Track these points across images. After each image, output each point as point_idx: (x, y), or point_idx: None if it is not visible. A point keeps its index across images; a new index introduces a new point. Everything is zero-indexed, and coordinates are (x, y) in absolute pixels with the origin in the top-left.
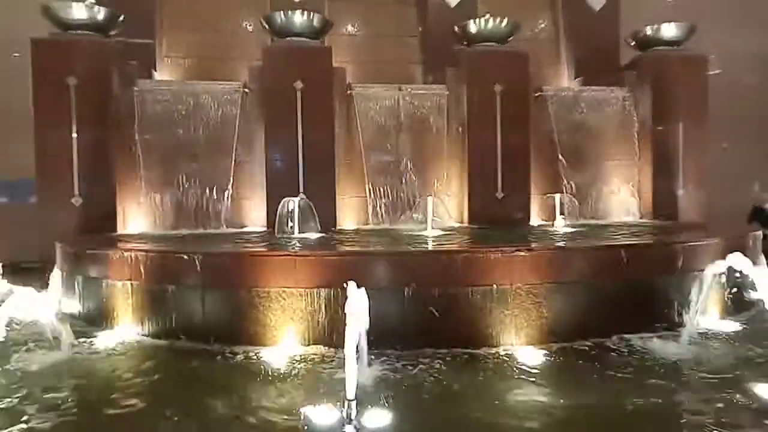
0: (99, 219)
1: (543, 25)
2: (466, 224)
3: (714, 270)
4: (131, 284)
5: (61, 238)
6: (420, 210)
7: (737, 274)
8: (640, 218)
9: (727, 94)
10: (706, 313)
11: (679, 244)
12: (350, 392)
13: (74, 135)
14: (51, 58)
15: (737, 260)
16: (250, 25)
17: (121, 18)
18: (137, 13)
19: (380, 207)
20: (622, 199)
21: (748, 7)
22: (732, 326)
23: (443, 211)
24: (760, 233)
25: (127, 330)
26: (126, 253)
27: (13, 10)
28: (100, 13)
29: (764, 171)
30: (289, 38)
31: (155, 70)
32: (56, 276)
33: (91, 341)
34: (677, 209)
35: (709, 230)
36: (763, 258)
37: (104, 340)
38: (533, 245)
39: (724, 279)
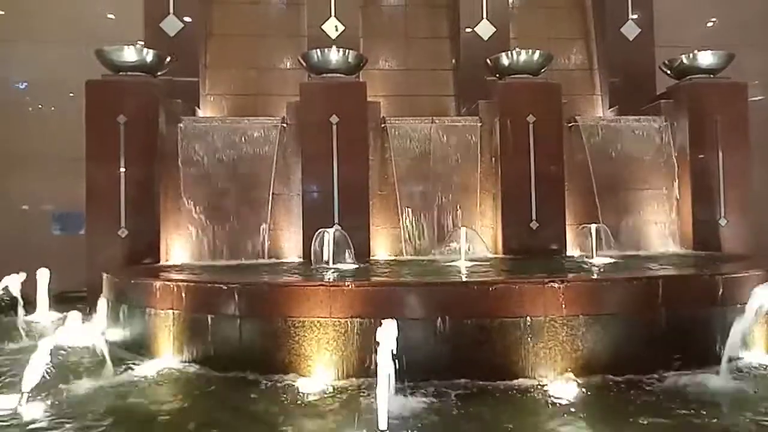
0: (143, 250)
1: (577, 55)
2: (500, 255)
3: (754, 302)
4: (172, 313)
5: (108, 268)
6: (453, 241)
7: None
8: (680, 249)
9: None
10: (750, 348)
11: (719, 276)
12: (382, 423)
13: (122, 170)
14: (103, 98)
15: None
16: (288, 63)
17: (168, 59)
18: (183, 53)
19: (414, 237)
20: (661, 230)
21: None
22: None
23: (477, 241)
24: None
25: (168, 358)
26: (168, 283)
27: (67, 55)
28: (149, 56)
29: None
30: (325, 75)
31: (198, 108)
32: (102, 305)
33: (133, 368)
34: (720, 240)
35: (752, 261)
36: None
37: (146, 368)
38: (566, 276)
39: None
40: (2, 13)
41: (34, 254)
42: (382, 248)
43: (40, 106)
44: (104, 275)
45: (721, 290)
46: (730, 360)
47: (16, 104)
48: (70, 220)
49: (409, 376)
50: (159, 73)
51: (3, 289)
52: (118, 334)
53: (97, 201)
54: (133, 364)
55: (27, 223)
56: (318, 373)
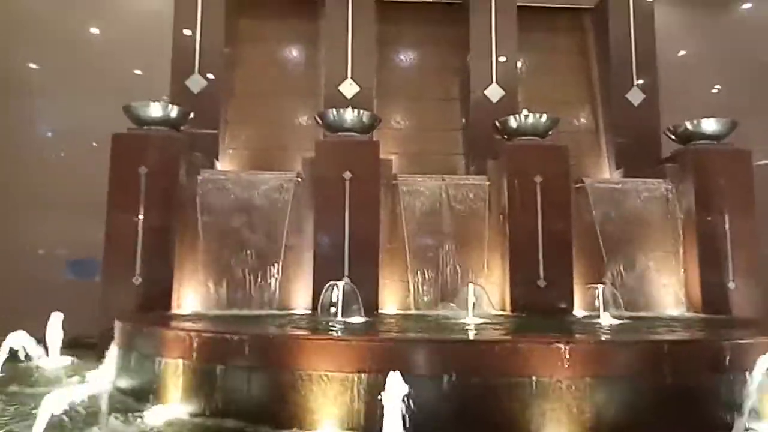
0: (156, 298)
1: (583, 118)
2: (508, 312)
3: (759, 369)
4: (182, 362)
5: (120, 315)
6: (461, 297)
7: None
8: (688, 312)
9: None
10: (759, 416)
11: (725, 341)
12: None
13: (141, 219)
14: (128, 150)
15: None
16: (305, 120)
17: (192, 115)
18: (206, 109)
19: (422, 292)
20: (669, 292)
21: None
22: None
23: (484, 298)
24: None
25: (176, 407)
26: (178, 332)
27: (94, 107)
28: (173, 111)
29: None
30: (340, 133)
31: (217, 160)
32: (113, 352)
33: (141, 417)
34: (729, 303)
35: (760, 327)
36: None
37: (154, 417)
38: (572, 337)
39: None
40: (36, 67)
41: (47, 298)
42: (390, 302)
43: (62, 154)
44: (116, 322)
45: (727, 356)
46: (743, 429)
47: (39, 152)
48: (83, 266)
49: None
50: (182, 128)
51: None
52: (128, 381)
53: (114, 248)
54: (142, 413)
55: (41, 267)
56: (324, 427)
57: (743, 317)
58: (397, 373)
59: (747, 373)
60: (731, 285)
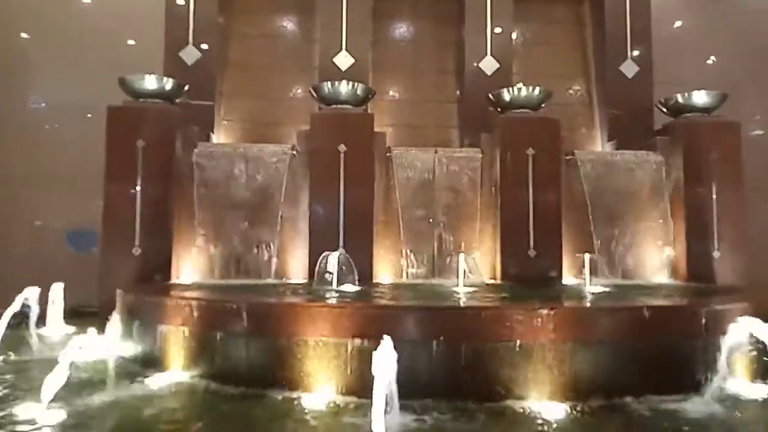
0: (155, 269)
1: (577, 91)
2: (498, 281)
3: (732, 333)
4: (183, 330)
5: (121, 285)
6: (453, 267)
7: (755, 338)
8: (675, 280)
9: None
10: (733, 377)
11: (702, 307)
12: None
13: (138, 192)
14: (124, 123)
15: (748, 324)
16: (299, 93)
17: (186, 87)
18: (201, 80)
19: (415, 263)
20: (656, 261)
21: None
22: (761, 390)
23: (475, 268)
24: None
25: (178, 372)
26: (180, 301)
27: (87, 78)
28: (168, 84)
29: None
30: (334, 106)
31: (213, 132)
32: (115, 321)
33: (145, 382)
34: (713, 272)
35: (739, 294)
36: None
37: (157, 381)
38: (554, 304)
39: (746, 342)
40: (27, 36)
41: (46, 269)
42: (384, 272)
43: (56, 125)
44: (118, 292)
45: (704, 321)
46: (716, 388)
47: (33, 124)
48: (83, 237)
49: (406, 395)
50: (177, 100)
51: (24, 300)
52: (131, 348)
53: (113, 220)
54: (145, 377)
55: (40, 239)
56: (320, 389)
57: (726, 285)
58: (388, 338)
59: (721, 336)
60: (716, 254)
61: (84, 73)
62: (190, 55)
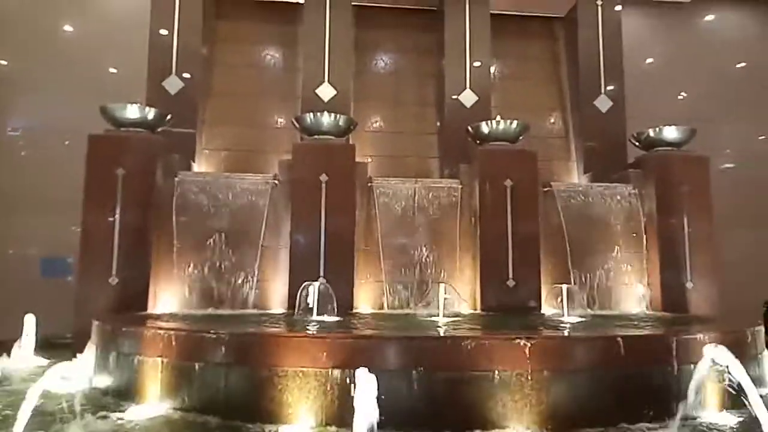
0: (132, 298)
1: (554, 124)
2: (478, 311)
3: (702, 363)
4: (161, 361)
5: (97, 315)
6: (433, 296)
7: (724, 368)
8: (649, 310)
9: (745, 187)
10: (704, 406)
11: (673, 336)
12: None
13: (117, 220)
14: (104, 151)
15: (716, 354)
16: (281, 123)
17: (169, 117)
18: (183, 109)
19: (395, 292)
20: (632, 292)
21: (759, 107)
22: (730, 419)
23: (455, 297)
24: (761, 328)
25: (155, 404)
26: (158, 332)
27: (67, 105)
28: (150, 113)
29: None
30: (317, 136)
31: (194, 161)
32: (90, 351)
33: (120, 414)
34: (687, 302)
35: (711, 324)
36: (765, 353)
37: (133, 414)
38: (532, 334)
39: (716, 372)
40: (5, 63)
41: (18, 298)
42: (364, 301)
43: (34, 151)
44: (94, 322)
45: (676, 350)
46: (686, 417)
47: (12, 150)
48: (56, 265)
49: (387, 426)
50: (159, 129)
51: None
52: (107, 380)
53: (90, 249)
54: (121, 409)
55: (12, 267)
56: (299, 421)
57: (699, 315)
58: (364, 369)
59: (692, 365)
60: (689, 285)
61: (64, 99)
62: (173, 84)
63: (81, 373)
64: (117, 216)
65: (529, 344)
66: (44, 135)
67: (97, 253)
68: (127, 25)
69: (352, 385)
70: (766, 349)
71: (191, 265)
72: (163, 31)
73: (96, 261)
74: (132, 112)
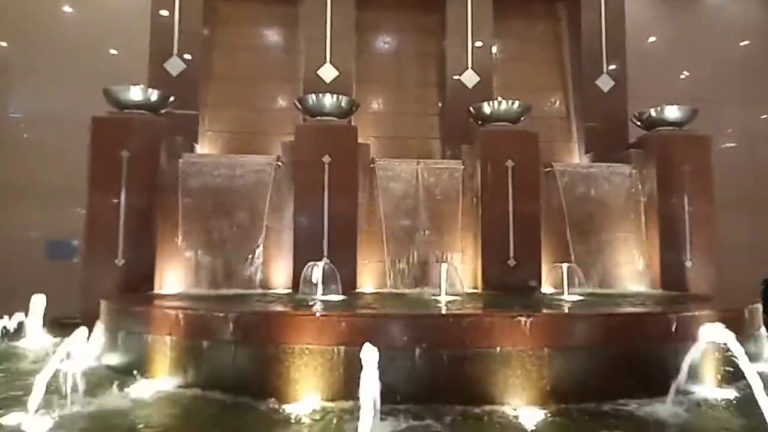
0: (138, 279)
1: (555, 104)
2: (479, 290)
3: (700, 340)
4: (170, 339)
5: (104, 295)
6: (435, 277)
7: (723, 345)
8: (649, 289)
9: (746, 167)
10: (701, 381)
11: (672, 314)
12: None
13: (122, 202)
14: (108, 133)
15: (714, 331)
16: (284, 104)
17: (172, 99)
18: (185, 91)
19: (398, 272)
20: (631, 270)
21: (761, 86)
22: (726, 394)
23: (457, 278)
24: (759, 306)
25: (164, 381)
26: (166, 311)
27: (69, 89)
28: (154, 95)
29: None
30: (319, 117)
31: (197, 143)
32: (99, 331)
33: (130, 390)
34: (686, 281)
35: (709, 302)
36: (763, 331)
37: (143, 390)
38: (533, 312)
39: (712, 348)
40: (5, 44)
41: (25, 280)
42: (367, 281)
43: (37, 135)
44: (102, 302)
45: (674, 327)
46: (684, 393)
47: (13, 134)
48: (62, 248)
49: (392, 401)
50: (162, 111)
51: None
52: (116, 358)
53: (96, 231)
54: (131, 386)
55: (18, 249)
56: (306, 397)
57: (697, 293)
58: (369, 345)
59: (691, 342)
60: (688, 264)
61: (65, 82)
62: (174, 66)
63: (90, 351)
64: (122, 198)
65: (529, 322)
66: (46, 119)
67: (102, 235)
68: (127, 6)
69: (358, 361)
70: (763, 327)
71: (196, 246)
72: (164, 12)
73: (102, 243)
74: (135, 93)
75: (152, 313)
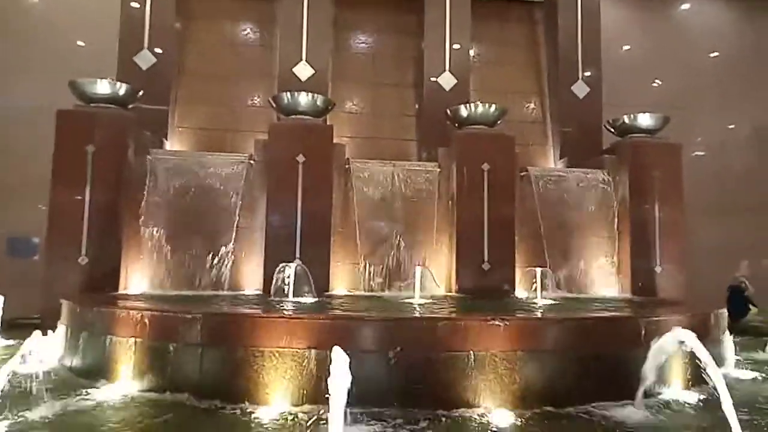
0: (102, 278)
1: (532, 108)
2: (454, 293)
3: (664, 344)
4: (134, 341)
5: (66, 295)
6: (409, 278)
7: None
8: (620, 293)
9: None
10: (668, 384)
11: (641, 319)
12: None
13: (87, 198)
14: (73, 127)
15: (679, 335)
16: (258, 102)
17: (140, 93)
18: (155, 85)
19: (372, 274)
20: (603, 275)
21: (729, 96)
22: (692, 397)
23: (431, 280)
24: (724, 311)
25: (127, 384)
26: (131, 312)
27: (34, 80)
28: (122, 89)
29: (757, 247)
30: (294, 116)
31: (166, 140)
32: (60, 331)
33: (91, 394)
34: (656, 286)
35: (677, 307)
36: (727, 335)
37: (104, 394)
38: (506, 316)
39: (679, 352)
40: None
41: None
42: (341, 283)
43: None
44: (64, 302)
45: (644, 331)
46: (653, 395)
47: None
48: (22, 244)
49: (363, 405)
50: (130, 106)
51: None
52: (77, 360)
53: (58, 228)
54: (92, 389)
55: None
56: (276, 401)
57: (666, 298)
58: (339, 349)
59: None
60: (658, 269)
61: (30, 74)
62: (145, 59)
63: (50, 353)
64: (87, 194)
65: (502, 325)
66: (8, 112)
67: (65, 232)
68: None
69: (329, 365)
70: (728, 331)
71: (164, 245)
72: (135, 5)
73: (64, 240)
74: (102, 87)
75: (116, 313)
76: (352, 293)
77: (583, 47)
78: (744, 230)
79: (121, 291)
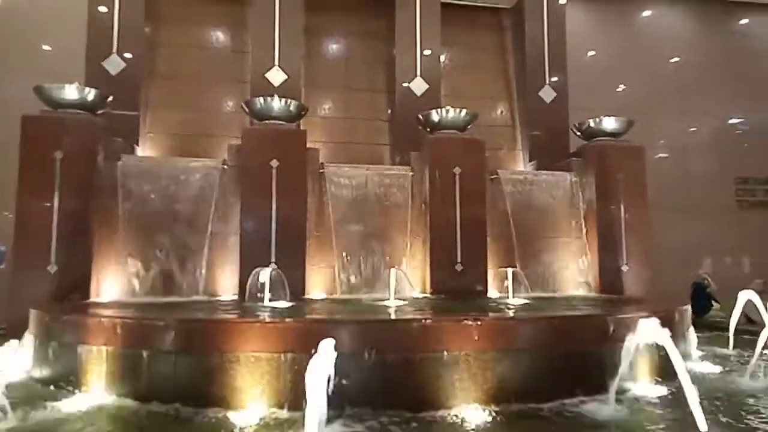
0: (72, 286)
1: (501, 113)
2: (428, 295)
3: (632, 340)
4: (106, 349)
5: (34, 304)
6: (384, 281)
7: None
8: (588, 292)
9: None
10: (636, 379)
11: (609, 317)
12: None
13: (56, 205)
14: (40, 134)
15: (648, 330)
16: (230, 107)
17: (110, 98)
18: (125, 90)
19: (347, 277)
20: (572, 274)
21: (690, 100)
22: (660, 391)
23: (406, 282)
24: (688, 307)
25: (100, 393)
26: (102, 320)
27: (3, 87)
28: (90, 94)
29: (719, 245)
30: (267, 121)
31: (137, 145)
32: (28, 341)
33: (61, 405)
34: (622, 284)
35: (643, 304)
36: (691, 331)
37: (76, 404)
38: (478, 316)
39: (646, 348)
40: None
41: None
42: (316, 287)
43: None
44: (32, 311)
45: (611, 329)
46: (622, 391)
47: None
48: None
49: (340, 407)
50: (100, 112)
51: None
52: (46, 370)
53: (26, 235)
54: (63, 400)
55: None
56: (252, 406)
57: (633, 296)
58: (325, 346)
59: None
60: (624, 268)
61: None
62: (114, 64)
63: (17, 363)
64: (55, 201)
65: (475, 325)
66: None
67: (33, 239)
68: (62, 0)
69: (305, 368)
70: (692, 327)
71: (136, 251)
72: (103, 8)
73: (32, 248)
74: (70, 92)
75: (87, 322)
76: (328, 297)
77: (550, 53)
78: (706, 229)
79: (92, 299)
